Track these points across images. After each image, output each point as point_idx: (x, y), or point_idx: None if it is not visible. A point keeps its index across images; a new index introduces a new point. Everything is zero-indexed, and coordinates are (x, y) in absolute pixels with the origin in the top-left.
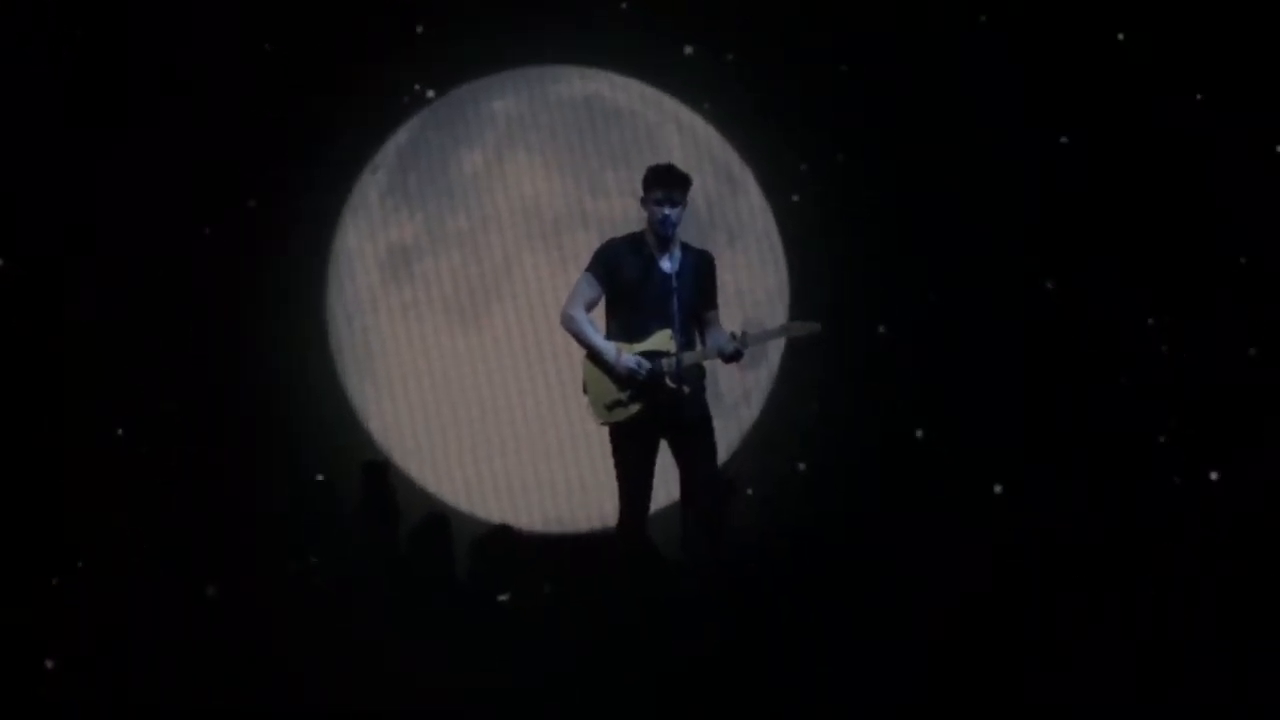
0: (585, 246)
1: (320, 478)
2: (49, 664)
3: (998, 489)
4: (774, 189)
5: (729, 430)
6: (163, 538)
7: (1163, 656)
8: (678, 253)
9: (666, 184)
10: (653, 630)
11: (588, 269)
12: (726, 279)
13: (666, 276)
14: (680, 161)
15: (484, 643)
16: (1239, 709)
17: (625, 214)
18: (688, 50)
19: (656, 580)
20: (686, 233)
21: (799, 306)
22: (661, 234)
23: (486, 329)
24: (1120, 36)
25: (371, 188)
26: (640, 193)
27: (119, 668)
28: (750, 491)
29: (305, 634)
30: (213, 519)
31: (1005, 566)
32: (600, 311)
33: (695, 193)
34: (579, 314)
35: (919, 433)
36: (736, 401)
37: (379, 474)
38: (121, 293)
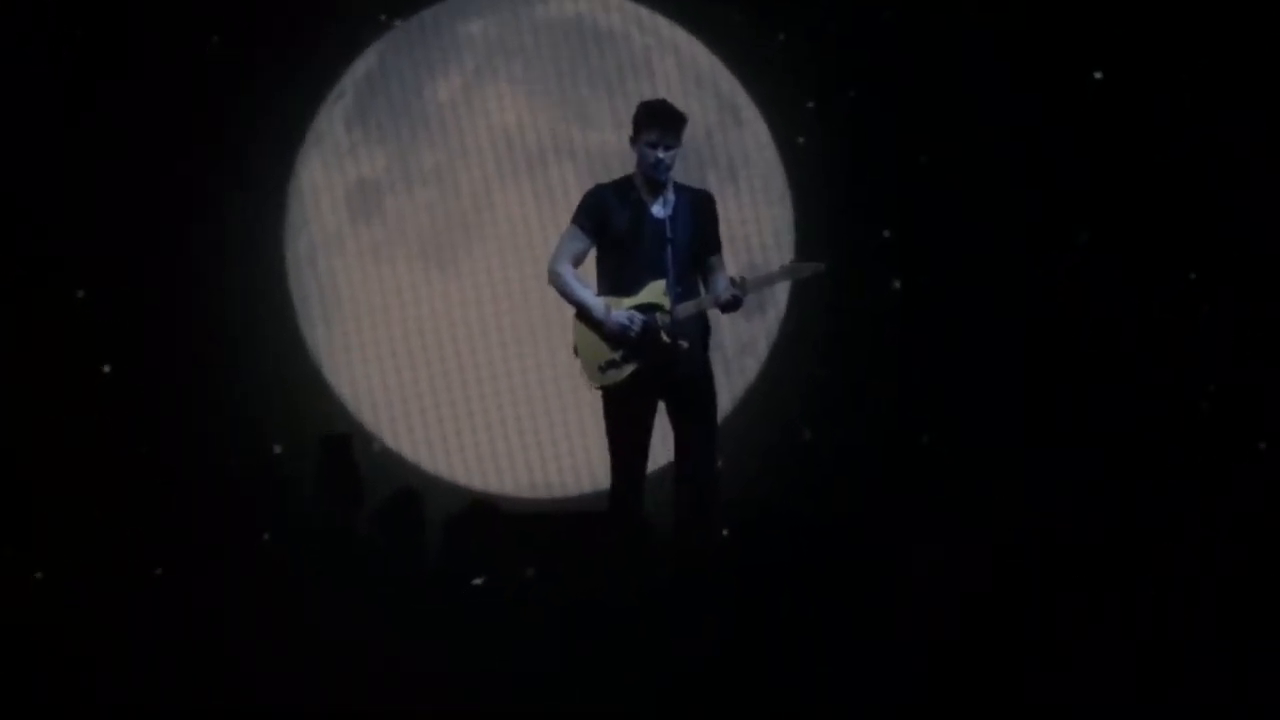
0: (570, 181)
1: (277, 449)
2: None
3: (1009, 479)
4: (779, 120)
5: (732, 384)
6: (106, 509)
7: (1163, 657)
8: (671, 196)
9: (661, 123)
10: (642, 619)
11: (573, 220)
12: (726, 218)
13: (659, 223)
14: (676, 89)
15: (457, 631)
16: (1239, 709)
17: (614, 146)
18: None
19: (647, 564)
20: (684, 166)
21: (806, 248)
22: (655, 179)
23: (463, 271)
24: None
25: (335, 117)
26: (630, 132)
27: (60, 655)
28: (753, 462)
29: (259, 623)
30: (158, 486)
31: (1018, 561)
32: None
33: (694, 123)
34: (565, 269)
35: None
36: (740, 351)
37: (340, 448)
38: (64, 231)
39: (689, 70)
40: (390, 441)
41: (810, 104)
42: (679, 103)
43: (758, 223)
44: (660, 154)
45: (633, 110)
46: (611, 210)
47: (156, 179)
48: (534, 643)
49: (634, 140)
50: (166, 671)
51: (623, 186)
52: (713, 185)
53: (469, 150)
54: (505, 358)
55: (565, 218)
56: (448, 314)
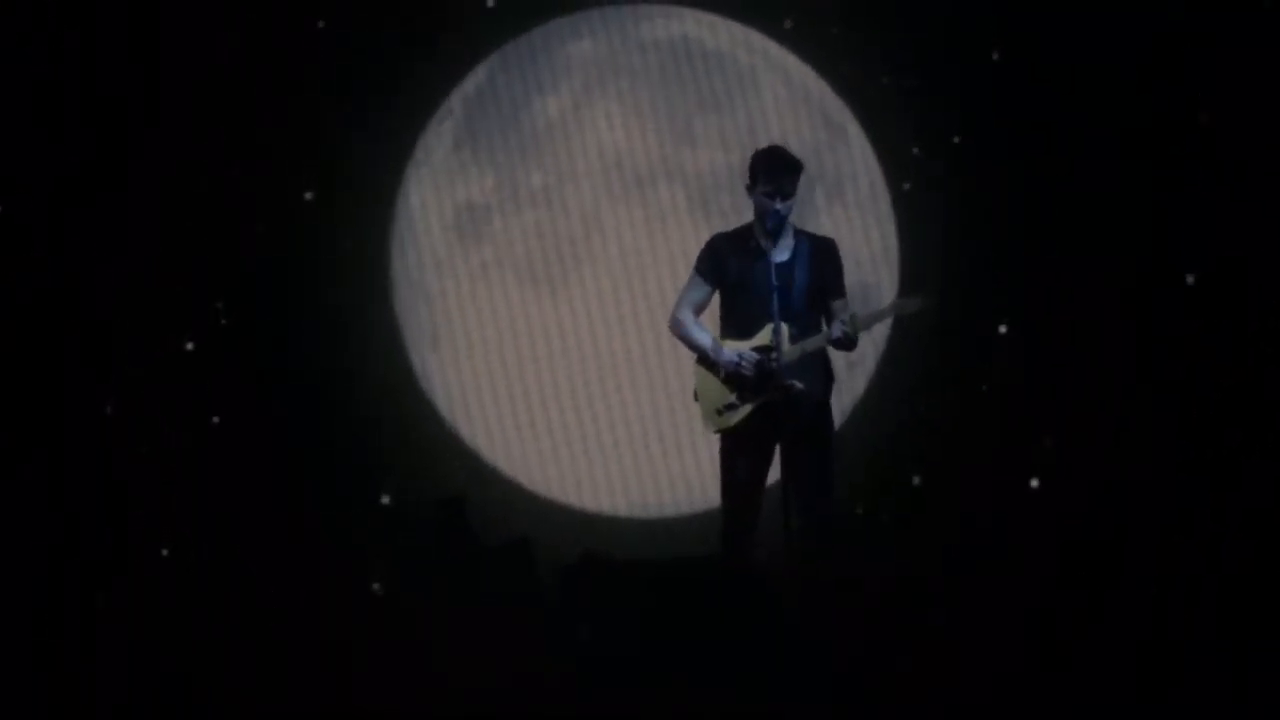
0: (675, 201)
1: (385, 500)
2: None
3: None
4: (880, 136)
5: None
6: (211, 529)
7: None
8: (790, 241)
9: (776, 174)
10: (751, 670)
11: (695, 267)
12: (834, 233)
13: (777, 267)
14: (785, 108)
15: (568, 680)
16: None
17: (717, 166)
18: None
19: (758, 613)
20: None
21: (909, 267)
22: (771, 228)
23: (567, 295)
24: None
25: (443, 136)
26: (746, 181)
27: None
28: (859, 510)
29: (366, 672)
30: (262, 511)
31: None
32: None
33: (801, 142)
34: (686, 316)
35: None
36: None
37: (455, 513)
38: (178, 259)
39: (797, 90)
40: (490, 458)
41: (915, 150)
42: (785, 121)
43: (866, 235)
44: (777, 205)
45: (739, 132)
46: (730, 256)
47: (263, 199)
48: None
49: (750, 189)
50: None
51: (742, 234)
52: (820, 202)
53: (577, 171)
54: (615, 379)
55: (674, 238)
56: (558, 336)
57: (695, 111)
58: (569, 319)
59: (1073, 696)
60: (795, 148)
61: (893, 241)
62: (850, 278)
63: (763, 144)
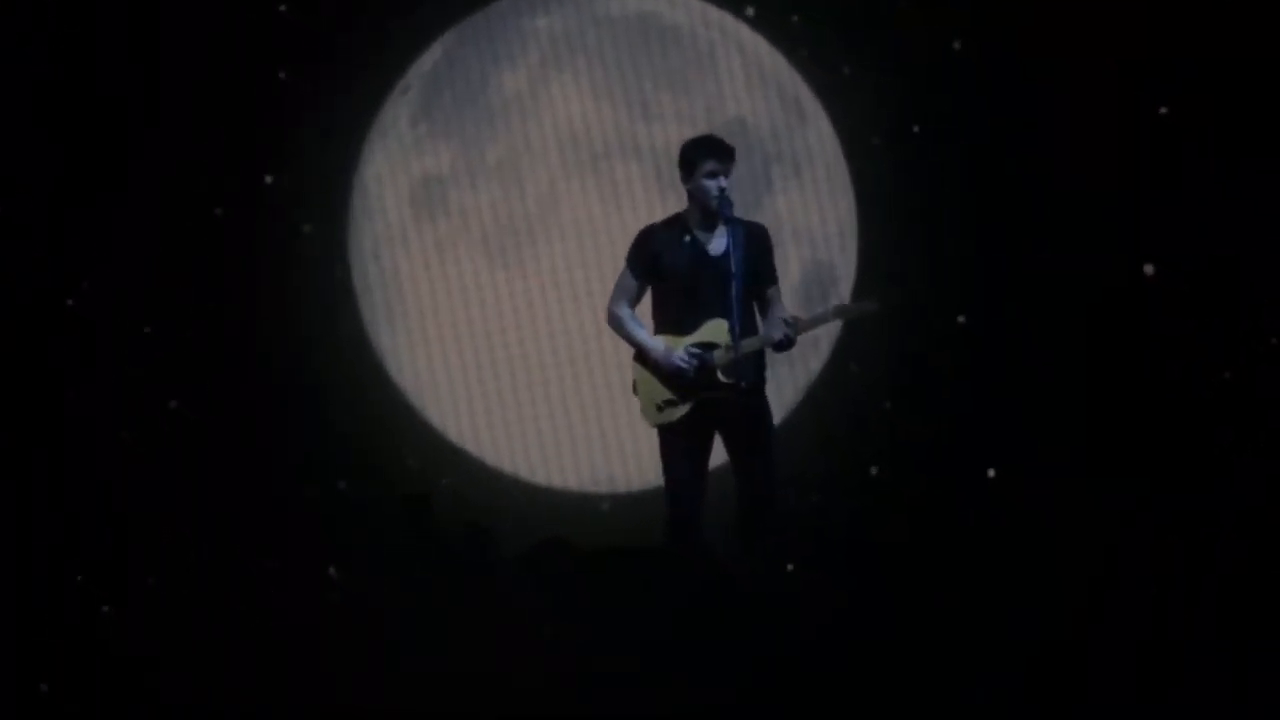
0: (636, 177)
1: (342, 485)
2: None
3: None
4: (844, 120)
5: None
6: (167, 513)
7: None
8: (724, 229)
9: (718, 153)
10: (702, 652)
11: (626, 261)
12: (790, 216)
13: (714, 259)
14: (740, 86)
15: (524, 662)
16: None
17: (675, 141)
18: None
19: (708, 596)
20: (749, 163)
21: (867, 246)
22: (721, 210)
23: (528, 268)
24: None
25: (400, 111)
26: (680, 174)
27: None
28: (815, 498)
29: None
30: (223, 476)
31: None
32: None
33: (758, 119)
34: (622, 311)
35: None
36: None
37: (420, 510)
38: (132, 229)
39: (753, 66)
40: (448, 432)
41: (876, 140)
42: (744, 98)
43: (822, 214)
44: (723, 181)
45: (697, 108)
46: (663, 248)
47: (219, 172)
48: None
49: (688, 178)
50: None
51: (674, 224)
52: (777, 179)
53: (534, 146)
54: (570, 354)
55: (631, 213)
56: (512, 310)
57: (653, 87)
58: (526, 293)
59: (1029, 685)
60: (753, 125)
61: (850, 221)
62: (807, 257)
63: (720, 120)
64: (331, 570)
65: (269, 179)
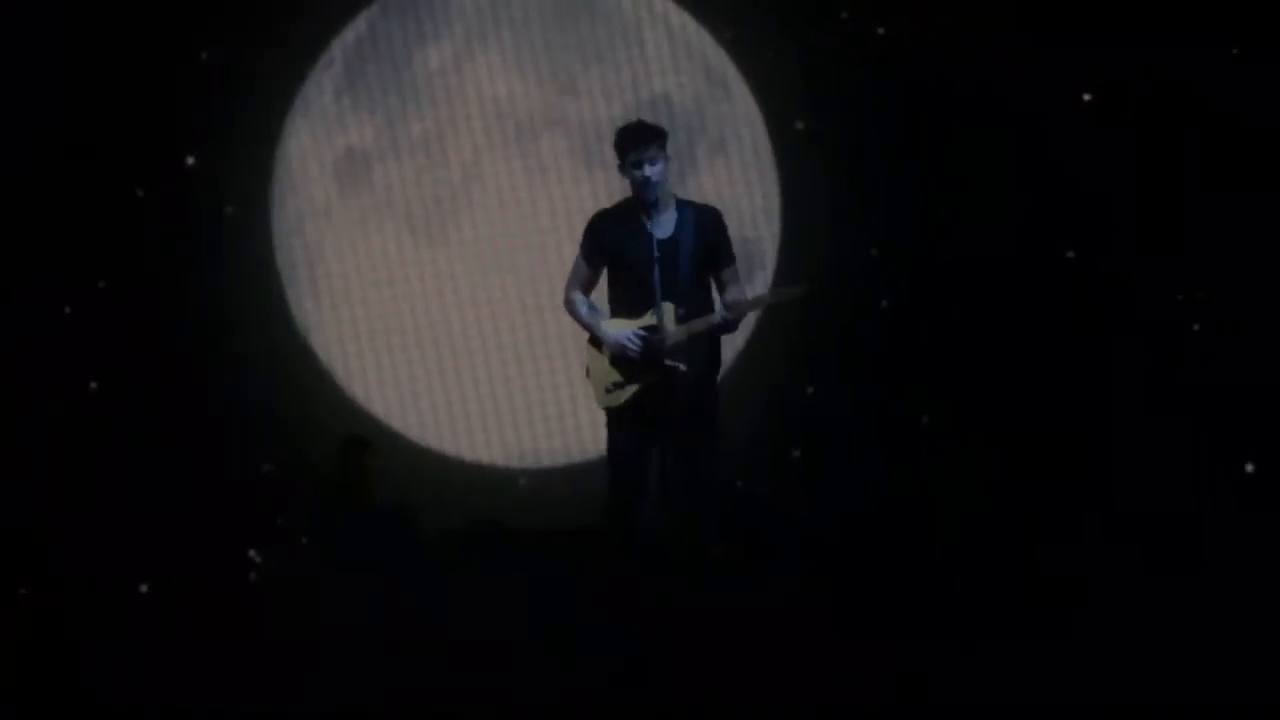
0: (559, 151)
1: (268, 468)
2: None
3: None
4: (767, 96)
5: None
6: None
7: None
8: (672, 213)
9: (641, 143)
10: (641, 633)
11: (579, 247)
12: (716, 190)
13: (662, 242)
14: (667, 60)
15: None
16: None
17: (600, 117)
18: None
19: (646, 578)
20: (673, 139)
21: (790, 224)
22: (648, 198)
23: (450, 241)
24: None
25: (324, 85)
26: (616, 162)
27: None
28: (739, 484)
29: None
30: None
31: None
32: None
33: (683, 94)
34: (576, 296)
35: (924, 419)
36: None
37: (358, 453)
38: (52, 200)
39: (679, 42)
40: (370, 405)
41: (800, 124)
42: (668, 73)
43: (749, 190)
44: (647, 171)
45: (622, 84)
46: (611, 233)
47: (137, 144)
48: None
49: (621, 168)
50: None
51: (624, 209)
52: (702, 156)
53: (458, 120)
54: (494, 328)
55: (555, 188)
56: (436, 284)
57: (578, 62)
58: (450, 266)
59: (959, 666)
60: (677, 101)
61: (775, 197)
62: (734, 232)
63: (645, 96)
64: (252, 553)
65: (190, 160)
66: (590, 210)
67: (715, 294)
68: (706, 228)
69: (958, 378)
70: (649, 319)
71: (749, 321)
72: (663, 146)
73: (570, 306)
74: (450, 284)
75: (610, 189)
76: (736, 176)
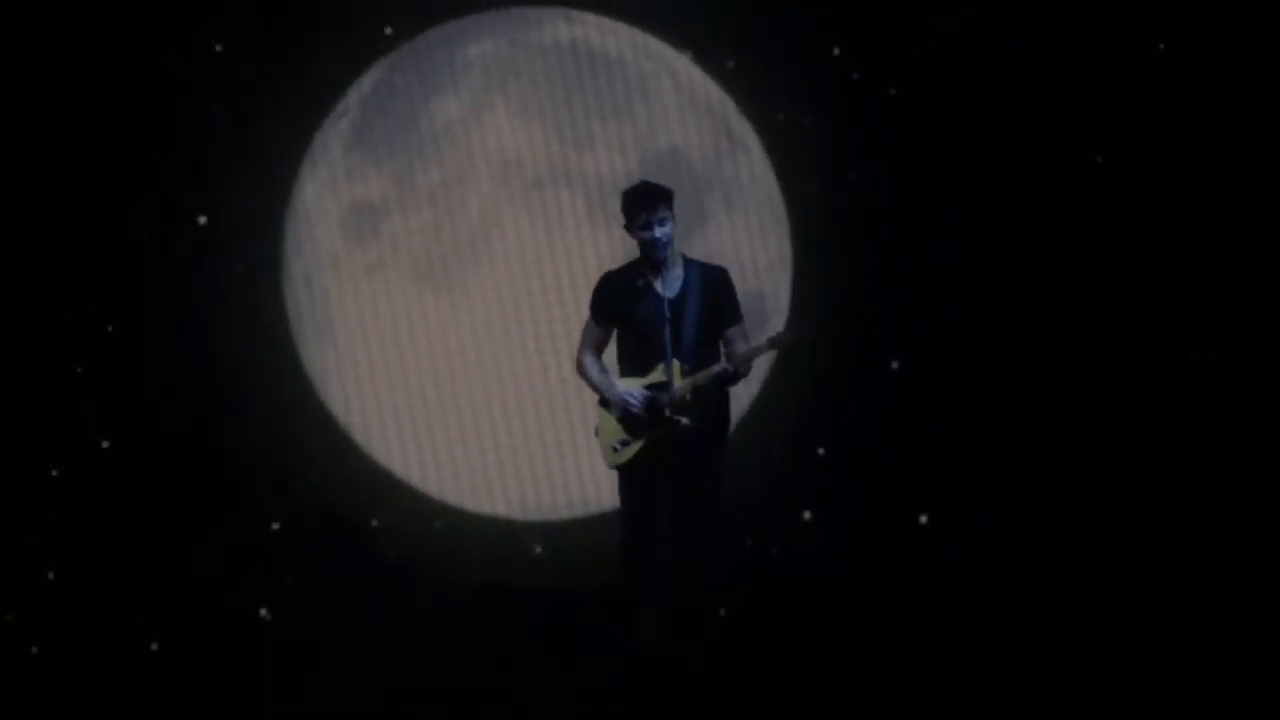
0: (569, 205)
1: (275, 525)
2: None
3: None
4: (777, 148)
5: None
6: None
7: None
8: (680, 272)
9: (648, 205)
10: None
11: (589, 308)
12: (724, 245)
13: (670, 301)
14: (673, 113)
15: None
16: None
17: (614, 170)
18: None
19: (660, 639)
20: (683, 191)
21: (803, 277)
22: (658, 258)
23: (460, 295)
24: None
25: (335, 138)
26: (623, 222)
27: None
28: (749, 542)
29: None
30: (157, 504)
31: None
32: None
33: (690, 147)
34: (586, 357)
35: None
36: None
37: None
38: (66, 251)
39: (685, 94)
40: (381, 458)
41: (812, 183)
42: (682, 127)
43: (760, 243)
44: (655, 233)
45: (636, 137)
46: (620, 294)
47: (152, 194)
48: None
49: (629, 228)
50: None
51: (631, 269)
52: (713, 209)
53: (472, 172)
54: (501, 380)
55: (568, 240)
56: (444, 336)
57: (592, 116)
58: (462, 318)
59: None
60: (686, 154)
61: (787, 249)
62: (746, 287)
63: (661, 148)
64: (263, 612)
65: (202, 218)
66: (602, 263)
67: (722, 352)
68: (713, 287)
69: (968, 444)
70: (656, 376)
71: (764, 379)
72: (670, 207)
73: (582, 369)
74: (460, 336)
75: (623, 243)
76: (744, 230)
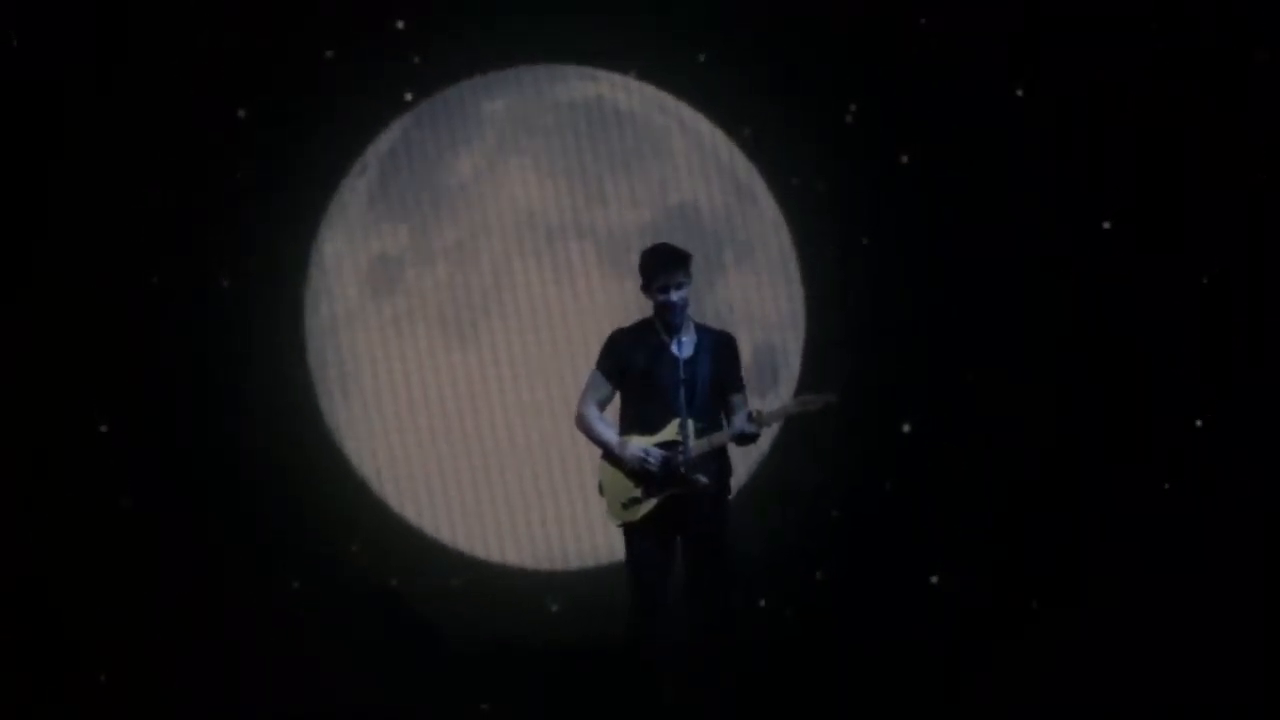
0: (584, 258)
1: (296, 584)
2: None
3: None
4: (788, 200)
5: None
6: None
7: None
8: (692, 335)
9: (667, 269)
10: None
11: (596, 364)
12: (739, 299)
13: (683, 362)
14: (696, 170)
15: None
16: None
17: (628, 224)
18: (701, 58)
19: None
20: (702, 248)
21: (815, 330)
22: (672, 323)
23: (478, 346)
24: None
25: (353, 194)
26: (640, 283)
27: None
28: (763, 604)
29: None
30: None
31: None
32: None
33: (711, 204)
34: (590, 411)
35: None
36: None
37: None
38: (88, 303)
39: (708, 153)
40: (408, 513)
41: (829, 244)
42: (696, 182)
43: (774, 297)
44: (673, 297)
45: (650, 192)
46: (631, 352)
47: (176, 250)
48: None
49: (646, 289)
50: None
51: (642, 328)
52: (728, 263)
53: (489, 226)
54: (523, 431)
55: (582, 294)
56: (466, 387)
57: (607, 171)
58: (480, 370)
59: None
60: (704, 208)
61: (800, 304)
62: (758, 340)
63: (671, 203)
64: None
65: (224, 281)
66: (618, 316)
67: (743, 413)
68: (722, 352)
69: (980, 506)
70: (667, 435)
71: (774, 439)
72: (689, 271)
73: (585, 422)
74: (481, 387)
75: (636, 297)
76: (759, 284)
